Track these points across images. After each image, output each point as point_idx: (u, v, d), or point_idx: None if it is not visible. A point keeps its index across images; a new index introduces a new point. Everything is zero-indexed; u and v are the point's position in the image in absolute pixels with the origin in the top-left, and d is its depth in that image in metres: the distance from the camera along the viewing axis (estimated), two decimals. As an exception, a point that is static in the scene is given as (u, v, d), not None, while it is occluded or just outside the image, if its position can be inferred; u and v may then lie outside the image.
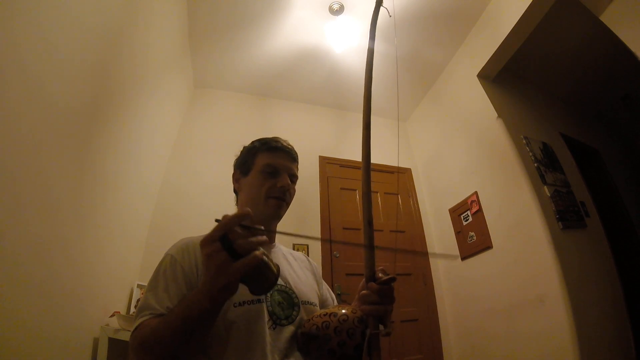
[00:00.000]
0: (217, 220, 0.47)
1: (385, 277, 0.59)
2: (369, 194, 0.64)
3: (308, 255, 1.07)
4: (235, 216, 0.46)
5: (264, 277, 0.48)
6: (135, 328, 0.58)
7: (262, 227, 0.50)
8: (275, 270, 0.49)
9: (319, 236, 2.58)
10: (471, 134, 2.55)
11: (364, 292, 0.60)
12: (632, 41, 1.75)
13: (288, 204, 0.84)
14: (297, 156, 0.89)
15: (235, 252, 0.45)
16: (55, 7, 0.95)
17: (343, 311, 0.61)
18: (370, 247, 0.60)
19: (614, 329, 1.78)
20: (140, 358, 0.55)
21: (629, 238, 2.58)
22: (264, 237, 0.48)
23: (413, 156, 3.35)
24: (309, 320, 0.63)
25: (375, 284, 0.59)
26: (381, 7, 0.85)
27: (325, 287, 0.93)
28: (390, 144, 3.24)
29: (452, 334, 2.49)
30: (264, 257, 0.47)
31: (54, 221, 1.07)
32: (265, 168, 0.82)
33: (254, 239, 0.47)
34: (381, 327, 0.58)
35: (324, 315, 0.61)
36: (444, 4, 2.38)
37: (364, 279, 0.62)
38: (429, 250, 2.82)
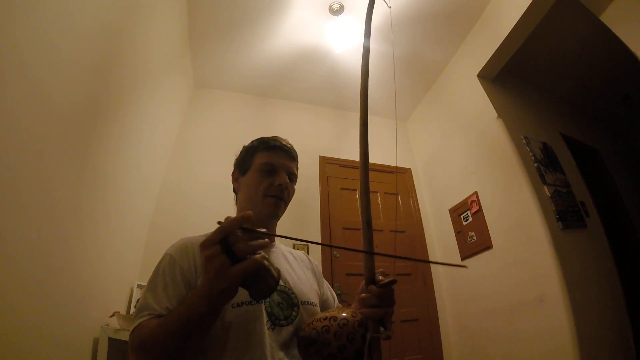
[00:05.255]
0: (219, 223, 0.47)
1: (386, 280, 0.58)
2: (367, 193, 0.61)
3: (307, 254, 1.06)
4: (235, 219, 0.46)
5: (264, 281, 0.47)
6: (134, 329, 0.58)
7: (264, 230, 0.49)
8: (275, 274, 0.48)
9: (319, 236, 2.58)
10: (471, 134, 2.55)
11: (363, 295, 0.59)
12: (632, 41, 1.75)
13: (286, 203, 0.83)
14: (297, 155, 0.88)
15: (235, 256, 0.45)
16: (55, 7, 0.95)
17: (343, 314, 0.60)
18: (369, 250, 0.59)
19: (614, 328, 1.78)
20: (139, 359, 0.55)
21: (629, 238, 2.58)
22: (265, 240, 0.48)
23: (413, 156, 3.35)
24: (309, 324, 0.62)
25: (376, 286, 0.58)
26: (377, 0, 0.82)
27: (327, 285, 0.92)
28: (390, 144, 3.24)
29: (452, 334, 2.49)
30: (265, 261, 0.46)
31: (54, 221, 1.07)
32: (263, 167, 0.81)
33: (254, 242, 0.46)
34: (382, 330, 0.57)
35: (324, 319, 0.60)
36: (444, 4, 2.38)
37: (363, 281, 0.61)
38: (429, 250, 2.82)
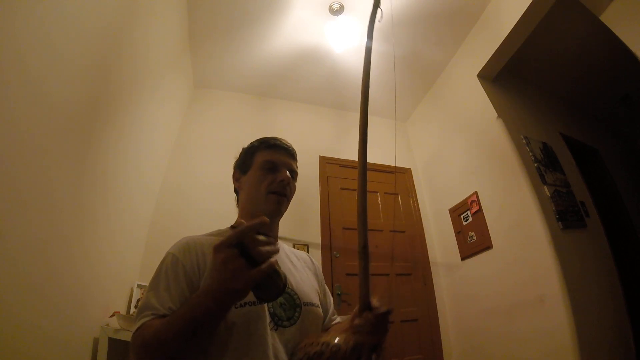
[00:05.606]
0: (232, 227, 0.49)
1: (382, 310, 0.59)
2: (365, 214, 0.60)
3: (308, 254, 1.06)
4: (253, 224, 0.47)
5: (274, 285, 0.49)
6: (137, 329, 0.57)
7: (272, 238, 0.50)
8: (283, 278, 0.50)
9: (319, 236, 2.58)
10: (471, 134, 2.55)
11: (357, 321, 0.59)
12: (632, 41, 1.75)
13: (289, 200, 0.83)
14: (296, 154, 0.89)
15: (252, 259, 0.46)
16: (55, 7, 0.95)
17: (336, 340, 0.60)
18: (365, 274, 0.58)
19: (614, 328, 1.78)
20: (141, 359, 0.55)
21: (629, 238, 2.58)
22: (277, 247, 0.50)
23: (413, 156, 3.35)
24: (302, 347, 0.63)
25: (372, 314, 0.58)
26: (378, 8, 0.83)
27: (326, 290, 0.91)
28: (390, 144, 3.24)
29: (452, 334, 2.49)
30: (276, 266, 0.48)
31: (54, 221, 1.07)
32: (265, 164, 0.82)
33: (269, 247, 0.48)
34: (374, 357, 0.58)
35: (317, 344, 0.61)
36: (444, 4, 2.38)
37: (357, 307, 0.61)
38: (429, 250, 2.82)
